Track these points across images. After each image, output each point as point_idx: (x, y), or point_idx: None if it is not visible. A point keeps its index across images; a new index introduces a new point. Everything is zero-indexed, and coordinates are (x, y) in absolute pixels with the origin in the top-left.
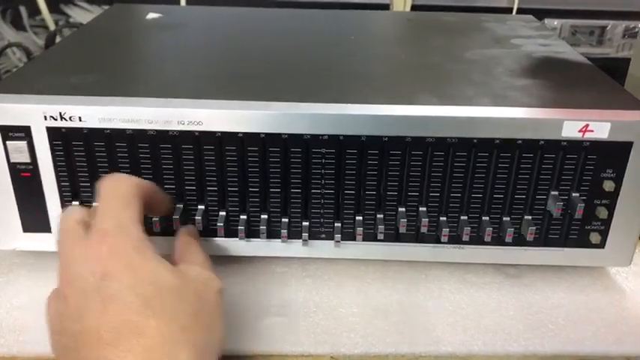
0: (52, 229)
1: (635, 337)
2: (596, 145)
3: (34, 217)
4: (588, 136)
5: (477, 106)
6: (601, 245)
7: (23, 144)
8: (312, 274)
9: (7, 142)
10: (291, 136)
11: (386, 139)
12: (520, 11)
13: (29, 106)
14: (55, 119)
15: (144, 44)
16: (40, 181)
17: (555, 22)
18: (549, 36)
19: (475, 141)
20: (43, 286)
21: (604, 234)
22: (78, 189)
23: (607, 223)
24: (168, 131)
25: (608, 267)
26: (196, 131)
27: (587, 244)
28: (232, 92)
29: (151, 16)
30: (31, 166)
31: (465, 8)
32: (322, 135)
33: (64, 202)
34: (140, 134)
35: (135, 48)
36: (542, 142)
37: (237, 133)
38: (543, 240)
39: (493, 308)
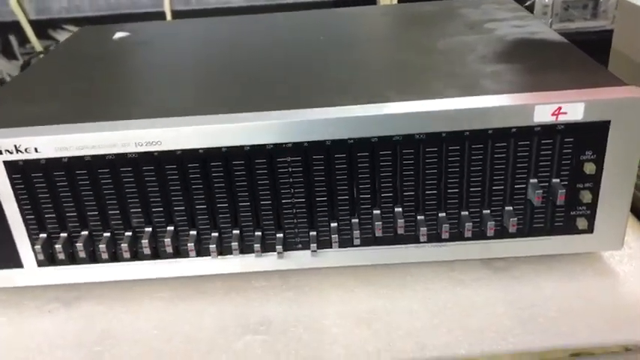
0: (23, 264)
1: (633, 325)
2: (572, 127)
3: (3, 253)
4: (562, 118)
5: (444, 98)
6: (589, 230)
7: None
8: (294, 286)
9: None
10: (254, 147)
11: (352, 141)
12: None
13: None
14: (11, 152)
15: (108, 66)
16: (5, 216)
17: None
18: (525, 17)
19: (444, 135)
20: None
21: (590, 218)
22: (44, 220)
23: (592, 206)
24: (126, 154)
25: (600, 252)
26: (155, 151)
27: (575, 230)
28: (192, 108)
29: (119, 35)
30: None
31: None
32: (286, 143)
33: (32, 235)
34: (98, 159)
35: (99, 70)
36: (514, 130)
37: (198, 149)
38: (527, 230)
39: (480, 305)
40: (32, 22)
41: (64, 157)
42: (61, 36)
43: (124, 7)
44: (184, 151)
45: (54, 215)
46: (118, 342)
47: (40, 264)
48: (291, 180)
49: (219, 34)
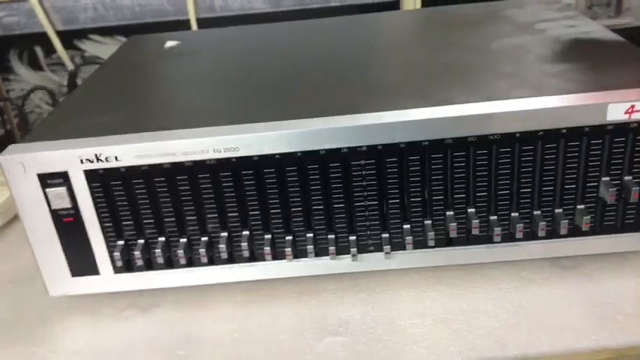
0: (100, 271)
1: None
2: None
3: (80, 261)
4: (635, 117)
5: (514, 99)
6: None
7: (63, 190)
8: (365, 288)
9: (47, 190)
10: (329, 151)
11: (426, 143)
12: None
13: (65, 151)
14: (92, 161)
15: (165, 75)
16: (83, 224)
17: None
18: (574, 16)
19: (518, 135)
20: (99, 330)
21: None
22: (121, 227)
23: None
24: (205, 160)
25: None
26: (233, 157)
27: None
28: (267, 113)
29: (169, 44)
30: (72, 211)
31: None
32: (360, 147)
33: (109, 242)
34: (177, 167)
35: (157, 79)
36: (587, 129)
37: (274, 154)
38: (599, 228)
39: (555, 304)
40: (59, 33)
41: (144, 165)
42: (87, 46)
43: (148, 16)
44: (261, 157)
45: (131, 222)
46: (200, 346)
47: (116, 271)
48: (364, 183)
49: (269, 40)
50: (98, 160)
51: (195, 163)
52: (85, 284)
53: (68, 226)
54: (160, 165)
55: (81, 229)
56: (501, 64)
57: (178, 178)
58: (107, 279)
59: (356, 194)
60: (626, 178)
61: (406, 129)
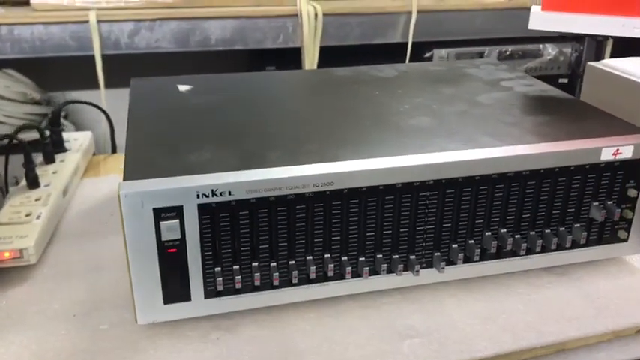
0: (192, 297)
1: None
2: (623, 164)
3: (175, 288)
4: (618, 157)
5: (528, 144)
6: (626, 239)
7: (176, 223)
8: (415, 299)
9: (161, 223)
10: (402, 185)
11: (478, 178)
12: (414, 45)
13: (184, 187)
14: (207, 196)
15: (217, 113)
16: (186, 254)
17: (443, 52)
18: (524, 77)
19: (542, 171)
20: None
21: (628, 230)
22: (220, 255)
23: (630, 221)
24: (304, 194)
25: (629, 255)
26: (328, 191)
27: (616, 240)
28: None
29: (183, 88)
30: (178, 242)
31: (368, 46)
32: (426, 181)
33: (206, 270)
34: (279, 200)
35: (213, 118)
36: (588, 166)
37: (360, 187)
38: (585, 241)
39: (559, 300)
40: None
41: (252, 199)
42: None
43: (49, 51)
44: (350, 190)
45: (230, 250)
46: (301, 358)
47: (207, 295)
48: (426, 211)
49: (279, 86)
50: (214, 194)
51: (297, 195)
52: (176, 311)
53: (171, 255)
54: (267, 198)
55: (182, 258)
56: (498, 115)
57: (279, 210)
58: (197, 304)
59: (419, 221)
60: (608, 202)
61: (463, 167)
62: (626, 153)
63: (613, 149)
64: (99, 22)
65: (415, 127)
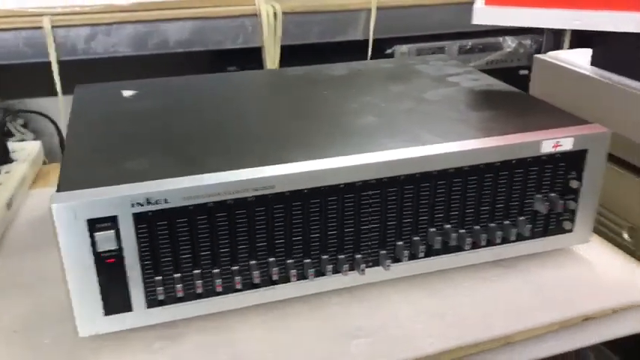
0: (133, 307)
1: (609, 292)
2: (564, 155)
3: (115, 299)
4: (559, 149)
5: (472, 139)
6: (571, 230)
7: (111, 233)
8: (362, 298)
9: (96, 234)
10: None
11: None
12: (376, 41)
13: (117, 196)
14: (142, 204)
15: (160, 119)
16: (124, 264)
17: (404, 47)
18: (471, 72)
19: (482, 166)
20: None
21: (573, 221)
22: (160, 264)
23: (574, 212)
24: (243, 199)
25: (574, 245)
26: (269, 194)
27: (562, 231)
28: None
29: (127, 94)
30: (115, 252)
31: (330, 43)
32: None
33: (146, 279)
34: (219, 205)
35: (155, 124)
36: (530, 159)
37: (321, 187)
38: (531, 233)
39: (510, 291)
40: None
41: (190, 206)
42: None
43: (3, 58)
44: (292, 192)
45: (170, 258)
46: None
47: (149, 305)
48: (370, 210)
49: (220, 89)
50: (149, 203)
51: (236, 200)
52: (117, 321)
53: (109, 266)
54: (205, 204)
55: (121, 269)
56: (446, 111)
57: (218, 215)
58: (139, 314)
59: (363, 220)
60: (551, 194)
61: (404, 164)
62: (567, 145)
63: (553, 142)
64: (54, 27)
65: (362, 126)
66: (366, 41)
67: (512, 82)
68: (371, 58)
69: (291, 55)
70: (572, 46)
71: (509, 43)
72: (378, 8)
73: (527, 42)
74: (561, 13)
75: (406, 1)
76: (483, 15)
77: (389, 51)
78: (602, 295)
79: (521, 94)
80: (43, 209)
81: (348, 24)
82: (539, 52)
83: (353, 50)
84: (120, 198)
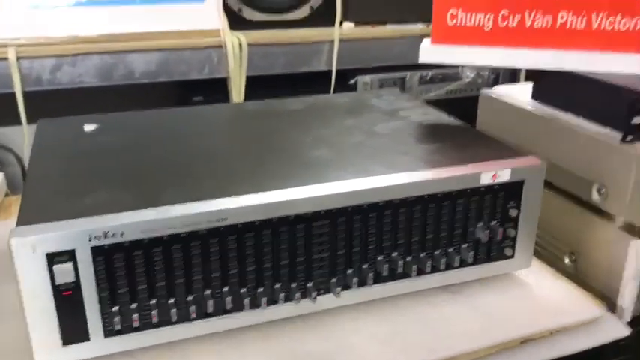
0: (90, 337)
1: (549, 314)
2: (503, 186)
3: (73, 329)
4: (497, 180)
5: (416, 171)
6: (512, 256)
7: (69, 266)
8: (316, 325)
9: (54, 267)
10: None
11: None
12: (339, 72)
13: (75, 230)
14: (99, 238)
15: (119, 153)
16: (82, 296)
17: (367, 78)
18: (420, 105)
19: (426, 197)
20: None
21: (513, 247)
22: (117, 295)
23: (514, 239)
24: (197, 231)
25: (516, 270)
26: (222, 226)
27: (503, 257)
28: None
29: (88, 128)
30: (73, 285)
31: (294, 74)
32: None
33: (104, 311)
34: (174, 237)
35: (114, 158)
36: (469, 190)
37: (272, 219)
38: (474, 260)
39: (455, 316)
40: None
41: (146, 239)
42: None
43: None
44: (244, 224)
45: (127, 289)
46: None
47: (107, 334)
48: (320, 239)
49: (170, 125)
50: (106, 236)
51: (189, 233)
52: (75, 351)
53: (66, 298)
54: (160, 237)
55: (78, 300)
56: (394, 145)
57: (173, 247)
58: (96, 344)
59: (315, 250)
60: (492, 223)
61: (349, 197)
62: (504, 176)
63: (491, 174)
64: (19, 59)
65: (314, 159)
66: (329, 72)
67: (471, 110)
68: (334, 88)
69: (257, 83)
70: (527, 77)
71: (468, 73)
72: (341, 41)
73: (485, 73)
74: (505, 52)
75: (367, 35)
76: (430, 53)
77: (352, 81)
78: (540, 318)
79: (466, 128)
80: (4, 242)
81: (312, 56)
82: (497, 82)
83: (318, 79)
84: (78, 232)
